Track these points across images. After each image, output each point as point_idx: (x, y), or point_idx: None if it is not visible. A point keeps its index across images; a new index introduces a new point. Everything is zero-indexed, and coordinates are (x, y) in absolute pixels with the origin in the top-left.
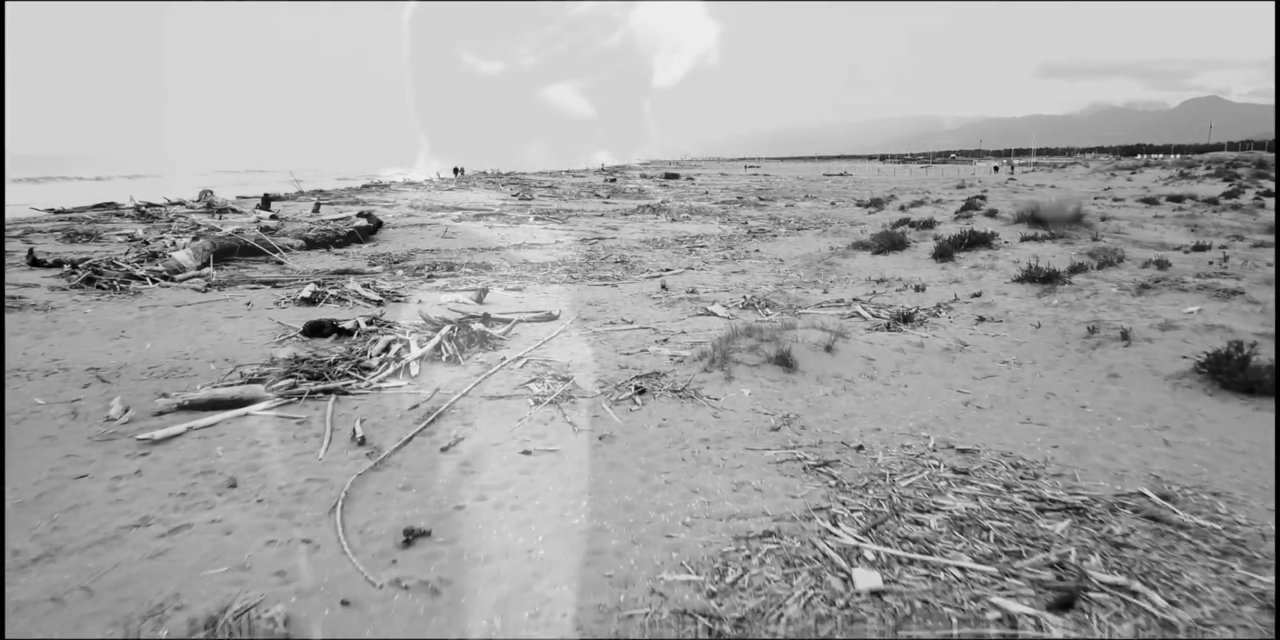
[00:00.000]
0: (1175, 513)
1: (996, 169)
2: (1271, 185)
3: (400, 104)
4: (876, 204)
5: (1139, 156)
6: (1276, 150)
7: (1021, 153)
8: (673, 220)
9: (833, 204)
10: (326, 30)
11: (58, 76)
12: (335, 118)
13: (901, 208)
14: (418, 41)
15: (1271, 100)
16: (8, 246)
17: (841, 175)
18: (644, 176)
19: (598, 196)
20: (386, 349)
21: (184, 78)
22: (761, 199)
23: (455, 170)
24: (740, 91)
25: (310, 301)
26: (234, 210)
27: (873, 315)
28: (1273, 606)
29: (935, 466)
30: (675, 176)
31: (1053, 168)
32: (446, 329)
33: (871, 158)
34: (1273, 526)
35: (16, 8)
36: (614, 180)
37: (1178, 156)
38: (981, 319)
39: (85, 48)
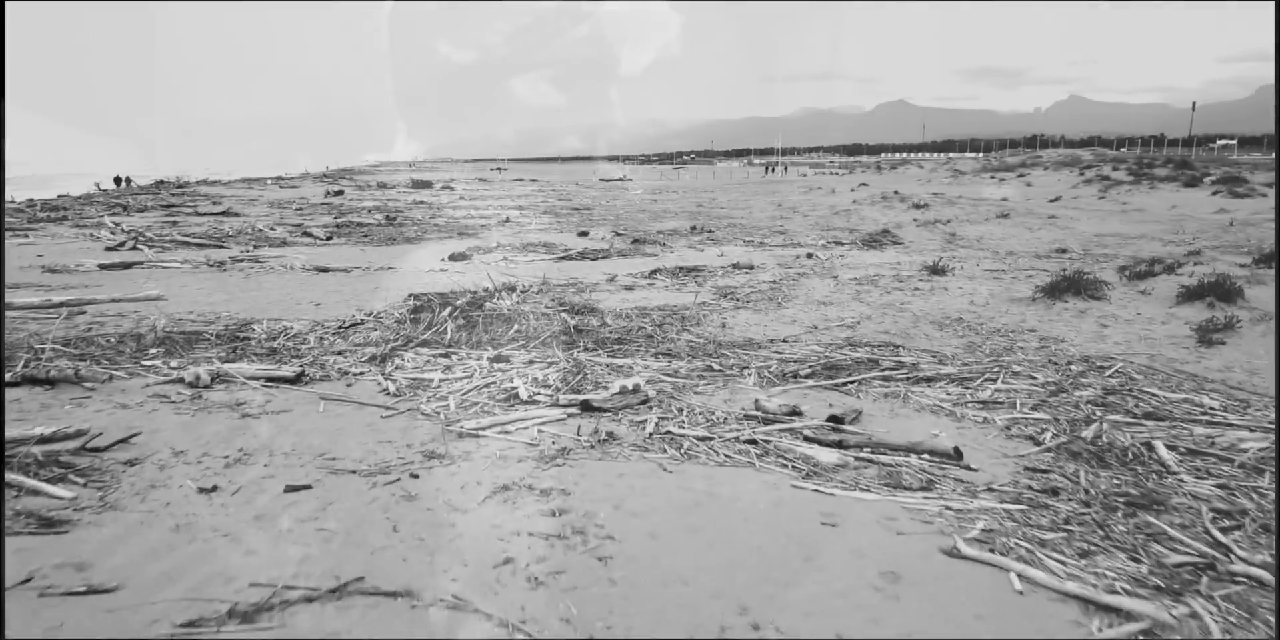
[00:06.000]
0: None
1: (770, 170)
2: None
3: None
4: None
5: (981, 155)
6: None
7: (764, 153)
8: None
9: (808, 255)
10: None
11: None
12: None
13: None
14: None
15: (951, 104)
16: None
17: (621, 181)
18: (382, 185)
19: (306, 237)
20: None
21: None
22: (629, 236)
23: (117, 180)
24: (487, 92)
25: None
26: None
27: None
28: None
29: None
30: (428, 184)
31: (879, 168)
32: None
33: (611, 159)
34: None
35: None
36: (341, 192)
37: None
38: None
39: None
